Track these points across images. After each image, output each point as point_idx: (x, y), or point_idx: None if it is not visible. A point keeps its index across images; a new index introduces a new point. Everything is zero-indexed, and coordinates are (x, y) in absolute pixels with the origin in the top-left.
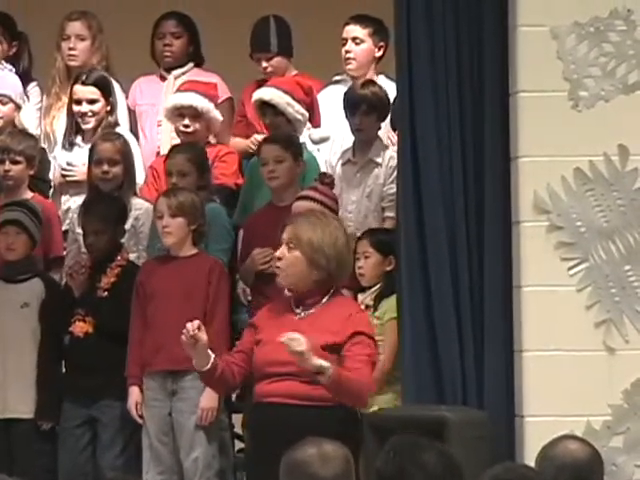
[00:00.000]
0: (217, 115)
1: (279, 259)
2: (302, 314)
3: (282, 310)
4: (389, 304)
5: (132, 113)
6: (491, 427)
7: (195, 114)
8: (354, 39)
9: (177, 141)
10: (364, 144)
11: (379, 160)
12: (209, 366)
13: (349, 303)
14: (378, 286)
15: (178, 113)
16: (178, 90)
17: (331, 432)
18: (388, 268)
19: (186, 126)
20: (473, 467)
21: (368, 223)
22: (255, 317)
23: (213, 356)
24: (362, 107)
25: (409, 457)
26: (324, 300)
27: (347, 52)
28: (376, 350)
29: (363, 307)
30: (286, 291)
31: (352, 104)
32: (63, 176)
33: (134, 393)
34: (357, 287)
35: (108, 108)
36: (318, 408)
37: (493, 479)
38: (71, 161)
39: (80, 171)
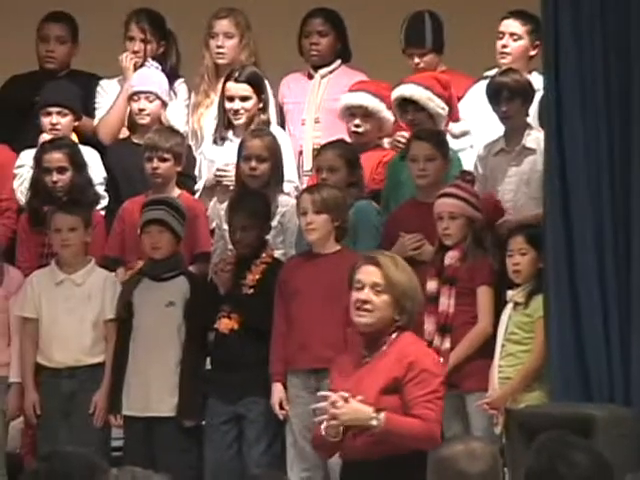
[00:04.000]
0: (388, 115)
1: (365, 302)
2: (369, 357)
3: (352, 354)
4: (539, 302)
5: (281, 110)
6: (638, 425)
7: (365, 114)
8: (512, 34)
9: (319, 141)
10: (515, 132)
11: (533, 146)
12: (339, 438)
13: (410, 341)
14: (529, 283)
15: (349, 113)
16: (350, 90)
17: None
18: (541, 265)
19: (357, 126)
20: (619, 466)
21: (526, 211)
22: (334, 363)
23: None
24: (504, 94)
25: (560, 456)
26: (389, 341)
27: (504, 47)
28: (438, 383)
29: (512, 304)
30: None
31: (494, 93)
32: (218, 181)
33: (277, 390)
34: (499, 283)
35: (260, 105)
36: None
37: None
38: (224, 161)
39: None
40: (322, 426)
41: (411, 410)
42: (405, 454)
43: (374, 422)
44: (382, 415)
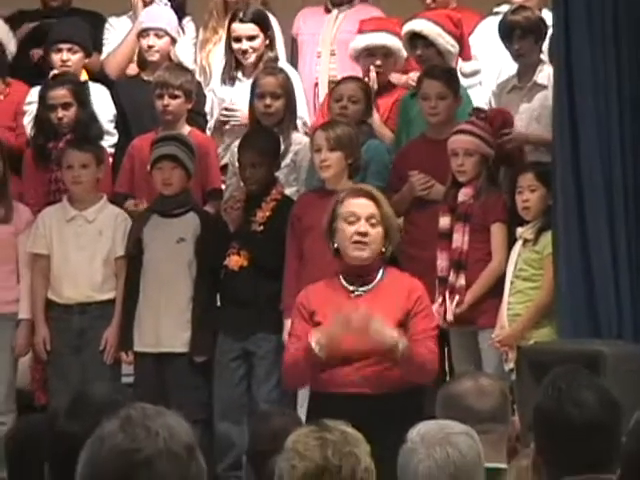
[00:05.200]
0: (404, 53)
1: (364, 234)
2: (359, 291)
3: (334, 289)
4: (549, 238)
5: (294, 42)
6: None
7: (387, 53)
8: None
9: (335, 73)
10: (528, 68)
11: (545, 82)
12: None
13: (403, 275)
14: (538, 220)
15: (368, 53)
16: (364, 29)
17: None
18: (551, 202)
19: (379, 66)
20: (627, 402)
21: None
22: (304, 300)
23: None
24: (517, 32)
25: (568, 395)
26: (379, 275)
27: None
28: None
29: (521, 241)
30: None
31: (507, 31)
32: (223, 122)
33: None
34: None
35: (267, 42)
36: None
37: None
38: (233, 101)
39: (242, 115)
40: (313, 339)
41: (419, 341)
42: (404, 391)
43: (400, 345)
44: (405, 340)
